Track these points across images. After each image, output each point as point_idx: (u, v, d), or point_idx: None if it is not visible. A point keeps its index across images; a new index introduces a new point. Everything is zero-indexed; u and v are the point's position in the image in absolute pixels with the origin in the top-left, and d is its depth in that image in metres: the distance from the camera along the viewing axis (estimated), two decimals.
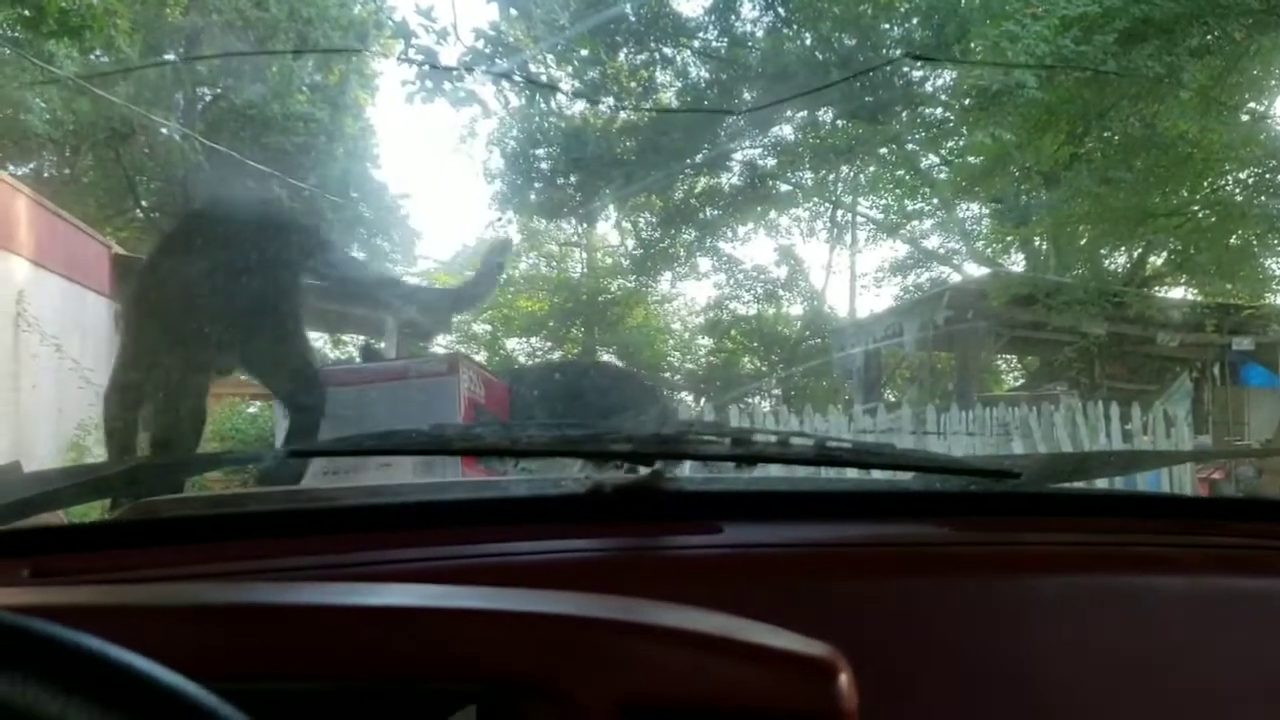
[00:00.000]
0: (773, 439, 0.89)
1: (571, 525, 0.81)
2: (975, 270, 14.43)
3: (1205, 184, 10.18)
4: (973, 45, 9.26)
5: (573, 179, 15.08)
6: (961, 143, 12.57)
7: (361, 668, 0.51)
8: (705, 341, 18.50)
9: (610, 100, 14.75)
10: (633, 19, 14.19)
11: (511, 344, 17.98)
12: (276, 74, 10.97)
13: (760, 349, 17.70)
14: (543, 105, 14.45)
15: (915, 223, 16.54)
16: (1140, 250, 12.80)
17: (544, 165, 15.09)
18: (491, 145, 15.67)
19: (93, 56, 8.91)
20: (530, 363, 15.25)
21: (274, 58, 10.61)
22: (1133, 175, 9.41)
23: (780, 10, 14.27)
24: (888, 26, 13.86)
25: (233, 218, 2.25)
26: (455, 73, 7.23)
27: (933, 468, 1.06)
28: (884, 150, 14.46)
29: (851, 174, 15.86)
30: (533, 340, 17.98)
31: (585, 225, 17.98)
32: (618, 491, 0.81)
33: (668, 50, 14.77)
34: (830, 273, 18.75)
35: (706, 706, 0.50)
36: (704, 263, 17.35)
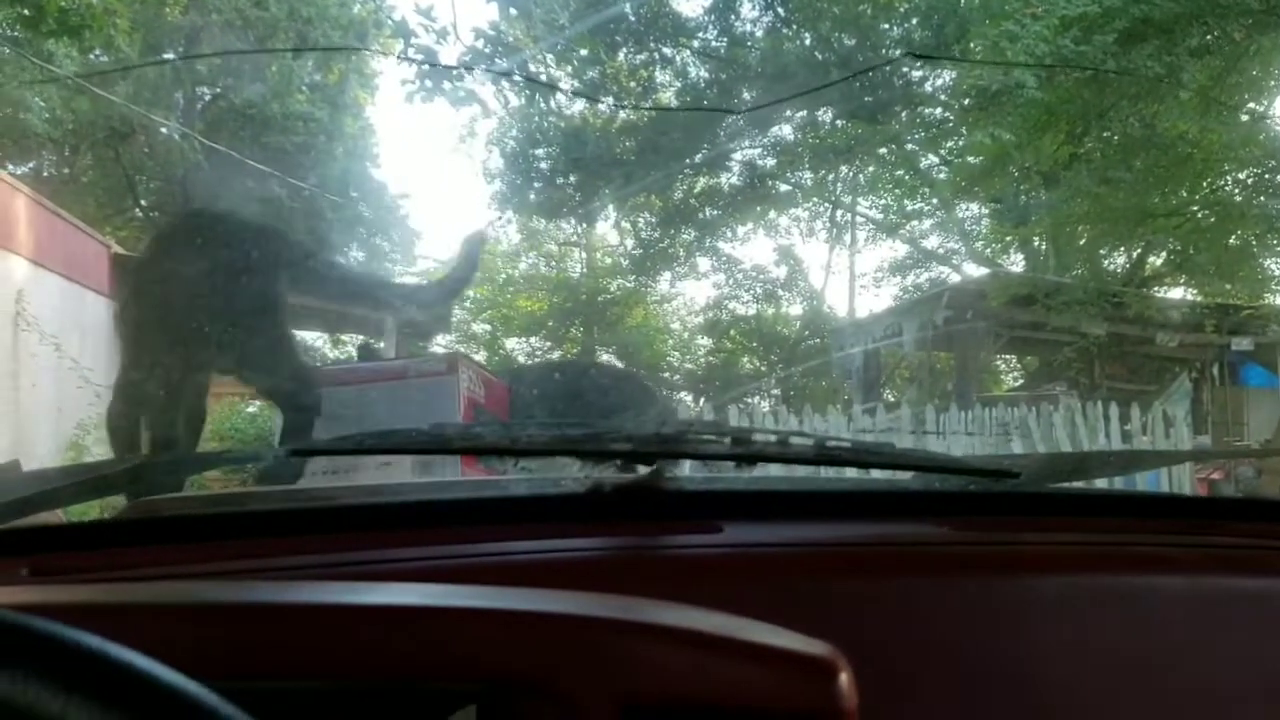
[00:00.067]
0: (772, 438, 0.89)
1: (571, 525, 0.81)
2: (974, 270, 14.45)
3: (1205, 184, 10.19)
4: (972, 45, 9.27)
5: (572, 179, 15.08)
6: (961, 143, 12.56)
7: (361, 667, 0.51)
8: (704, 341, 18.52)
9: (610, 100, 14.76)
10: (632, 19, 14.20)
11: (511, 344, 18.00)
12: (276, 73, 10.97)
13: (759, 349, 17.71)
14: (542, 105, 14.45)
15: (915, 223, 16.57)
16: (1140, 250, 12.81)
17: (543, 165, 15.09)
18: (491, 145, 15.70)
19: (92, 56, 8.90)
20: (530, 362, 15.25)
21: (273, 57, 10.61)
22: (1132, 175, 9.42)
23: (780, 10, 14.27)
24: (887, 26, 13.87)
25: (218, 220, 2.27)
26: (455, 72, 7.22)
27: (932, 467, 1.06)
28: (883, 150, 14.47)
29: (851, 174, 15.87)
30: (532, 340, 17.99)
31: (585, 225, 17.98)
32: (618, 491, 0.81)
33: (667, 50, 14.78)
34: (829, 273, 18.77)
35: (707, 706, 0.50)
36: (703, 263, 17.39)
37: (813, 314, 17.44)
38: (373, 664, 0.51)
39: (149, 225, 11.49)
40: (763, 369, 17.09)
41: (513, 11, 8.81)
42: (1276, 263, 11.89)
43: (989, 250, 15.23)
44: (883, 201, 16.42)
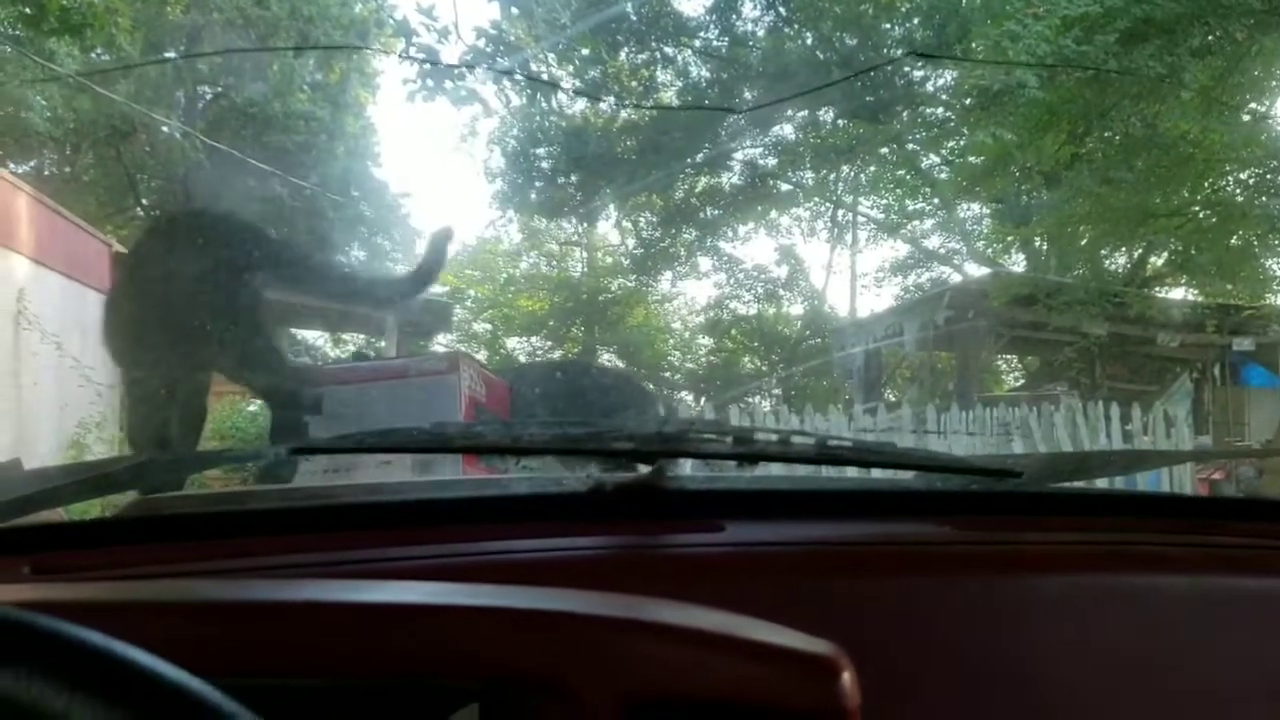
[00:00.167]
0: (774, 438, 0.88)
1: (573, 523, 0.81)
2: (976, 270, 14.45)
3: (1206, 184, 10.18)
4: (974, 45, 9.26)
5: (573, 178, 15.09)
6: (962, 142, 12.56)
7: (363, 665, 0.51)
8: (705, 341, 18.52)
9: (611, 99, 14.76)
10: (634, 18, 14.20)
11: (512, 343, 18.00)
12: (277, 72, 10.97)
13: (760, 349, 17.71)
14: (544, 104, 14.46)
15: (916, 223, 16.55)
16: (1141, 250, 12.80)
17: (545, 164, 15.10)
18: (492, 144, 15.70)
19: (94, 54, 8.91)
20: (530, 360, 15.26)
21: (275, 56, 10.61)
22: (1134, 175, 9.41)
23: (781, 10, 14.28)
24: (889, 26, 13.87)
25: (194, 220, 2.29)
26: (456, 71, 7.23)
27: (934, 467, 1.06)
28: (885, 150, 14.46)
29: (852, 174, 15.86)
30: (533, 339, 18.00)
31: (586, 224, 17.99)
32: (619, 490, 0.81)
33: (669, 49, 14.78)
34: (831, 272, 18.79)
35: (710, 704, 0.50)
36: (704, 262, 17.40)
37: (814, 314, 17.44)
38: (375, 662, 0.51)
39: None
40: (764, 369, 17.09)
41: (514, 11, 8.81)
42: (1278, 263, 11.88)
43: (990, 250, 15.23)
44: (884, 201, 16.41)
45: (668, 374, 17.65)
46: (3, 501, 0.83)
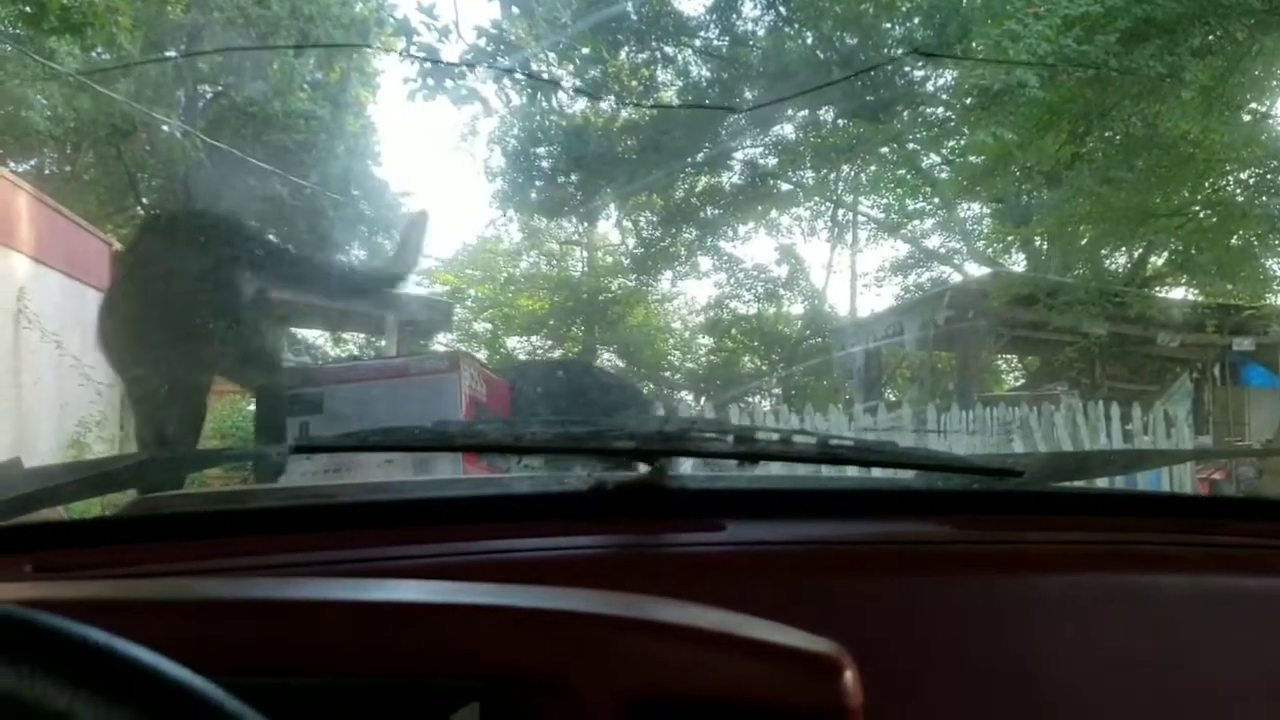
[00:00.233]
0: (774, 437, 0.89)
1: (574, 522, 0.81)
2: (976, 270, 14.44)
3: (1207, 184, 10.17)
4: (974, 44, 9.25)
5: (574, 177, 15.08)
6: (963, 142, 12.55)
7: (365, 663, 0.51)
8: (706, 340, 18.51)
9: (611, 99, 14.74)
10: (634, 17, 14.19)
11: (512, 342, 18.00)
12: (278, 71, 10.97)
13: (761, 348, 17.71)
14: (544, 103, 14.44)
15: (916, 222, 16.54)
16: (1141, 250, 12.80)
17: (545, 163, 15.09)
18: (493, 143, 15.69)
19: (94, 53, 8.91)
20: (530, 359, 15.25)
21: (275, 55, 10.60)
22: (1134, 175, 9.40)
23: (781, 9, 14.27)
24: (889, 25, 13.86)
25: (185, 220, 2.31)
26: (457, 70, 7.21)
27: (935, 466, 1.06)
28: (885, 149, 14.45)
29: (852, 173, 15.85)
30: (533, 339, 17.99)
31: (586, 224, 17.98)
32: (621, 489, 0.81)
33: (669, 49, 14.77)
34: (831, 272, 18.78)
35: (711, 702, 0.50)
36: (705, 262, 17.38)
37: (814, 313, 17.43)
38: (376, 660, 0.51)
39: None
40: (764, 368, 17.09)
41: (515, 10, 8.79)
42: (1278, 263, 11.88)
43: (990, 250, 15.22)
44: (884, 201, 16.39)
45: (668, 373, 17.64)
46: (4, 500, 0.83)
